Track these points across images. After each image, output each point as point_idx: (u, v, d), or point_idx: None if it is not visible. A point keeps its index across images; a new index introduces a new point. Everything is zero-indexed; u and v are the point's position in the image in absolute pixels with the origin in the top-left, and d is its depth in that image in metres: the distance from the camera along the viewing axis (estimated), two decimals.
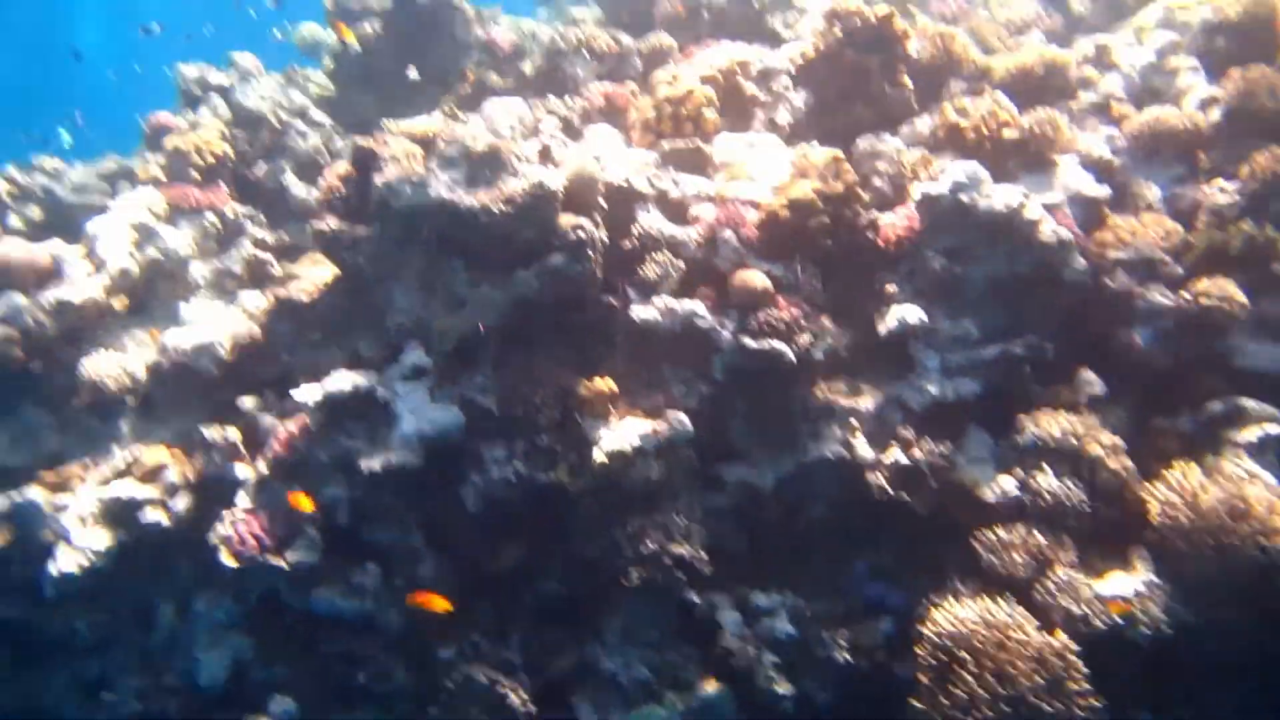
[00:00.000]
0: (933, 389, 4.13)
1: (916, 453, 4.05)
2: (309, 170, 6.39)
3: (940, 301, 4.27)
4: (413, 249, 4.43)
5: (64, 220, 5.83)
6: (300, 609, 4.14)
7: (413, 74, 6.86)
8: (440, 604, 3.81)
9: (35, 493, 4.39)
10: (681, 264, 4.37)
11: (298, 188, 6.23)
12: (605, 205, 4.42)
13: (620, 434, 4.07)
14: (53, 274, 5.09)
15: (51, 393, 4.82)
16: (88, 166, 6.39)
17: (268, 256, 5.78)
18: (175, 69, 6.62)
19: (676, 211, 4.56)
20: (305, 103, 6.88)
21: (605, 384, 4.19)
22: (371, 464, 4.11)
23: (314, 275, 5.03)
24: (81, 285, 4.96)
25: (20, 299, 4.73)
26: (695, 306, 4.19)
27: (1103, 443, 3.89)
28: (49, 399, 4.83)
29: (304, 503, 4.04)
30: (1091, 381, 4.13)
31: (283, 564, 4.02)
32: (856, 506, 4.16)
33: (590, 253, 4.19)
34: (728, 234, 4.29)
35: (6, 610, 4.38)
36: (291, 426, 4.36)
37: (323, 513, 4.15)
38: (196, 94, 6.62)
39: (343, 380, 4.29)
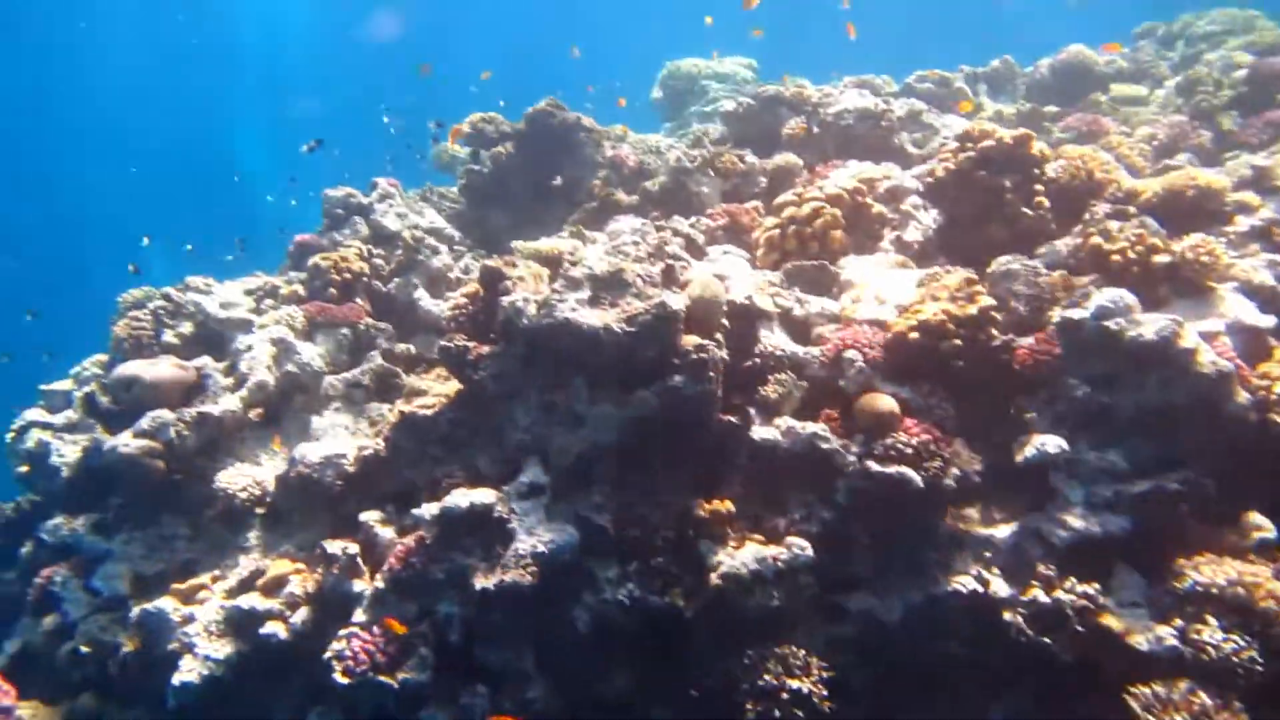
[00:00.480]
0: (1077, 523, 4.04)
1: (1059, 592, 3.93)
2: (439, 285, 6.94)
3: (1084, 431, 4.21)
4: (535, 367, 4.73)
5: (212, 335, 6.49)
6: None
7: (556, 181, 7.40)
8: None
9: (165, 603, 4.77)
10: (804, 384, 4.51)
11: (427, 302, 6.75)
12: (727, 324, 4.63)
13: (738, 558, 4.14)
14: (198, 389, 5.68)
15: (188, 503, 5.29)
16: (236, 283, 7.13)
17: (395, 369, 6.27)
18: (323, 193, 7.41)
19: (800, 331, 4.72)
20: (438, 220, 7.52)
21: (723, 505, 4.29)
22: (485, 582, 4.29)
23: (439, 390, 5.41)
24: (222, 399, 5.51)
25: (167, 414, 5.27)
26: (818, 428, 4.29)
27: (1275, 594, 3.70)
28: (185, 509, 5.29)
29: (397, 627, 4.28)
30: (1261, 525, 3.95)
31: (393, 683, 4.20)
32: (992, 646, 4.04)
33: (711, 373, 4.37)
34: (853, 355, 4.41)
35: (130, 719, 4.72)
36: (409, 542, 4.61)
37: (435, 630, 4.34)
38: (339, 214, 7.36)
39: (460, 497, 4.53)
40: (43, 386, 6.53)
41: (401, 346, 6.60)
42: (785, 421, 4.37)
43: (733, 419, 4.53)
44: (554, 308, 4.52)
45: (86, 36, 32.36)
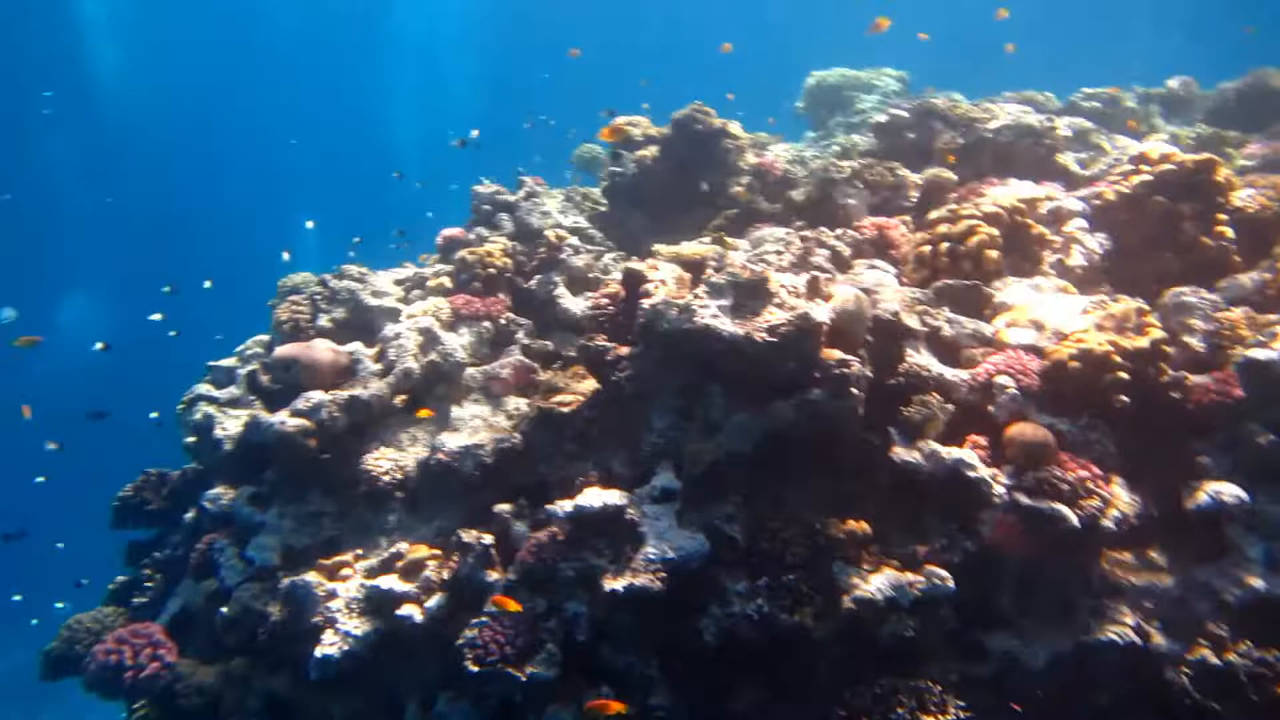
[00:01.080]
0: (1256, 582, 3.73)
1: (1233, 656, 3.64)
2: (578, 284, 7.03)
3: (1266, 482, 3.89)
4: (673, 372, 4.72)
5: (364, 321, 6.76)
6: None
7: (704, 187, 7.38)
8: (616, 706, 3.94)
9: (311, 577, 4.99)
10: (950, 407, 4.34)
11: (566, 300, 6.84)
12: (871, 339, 4.51)
13: (873, 583, 4.02)
14: (349, 372, 5.93)
15: (335, 481, 5.53)
16: (388, 273, 7.41)
17: (533, 364, 6.38)
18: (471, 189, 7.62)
19: (948, 352, 4.55)
20: (581, 220, 7.62)
21: (859, 526, 4.18)
22: (614, 584, 4.30)
23: (576, 388, 5.47)
24: (371, 384, 5.72)
25: (321, 395, 5.52)
26: (964, 455, 4.12)
27: None
28: (332, 487, 5.52)
29: (511, 605, 4.33)
30: None
31: (521, 676, 4.27)
32: (1148, 705, 3.79)
33: (852, 389, 4.26)
34: (1006, 380, 4.22)
35: (276, 684, 4.95)
36: (541, 537, 4.68)
37: (563, 627, 4.39)
38: (487, 210, 7.56)
39: (593, 497, 4.56)
40: (210, 363, 6.95)
41: (539, 342, 6.70)
42: (928, 445, 4.22)
43: (872, 438, 4.40)
44: (695, 313, 4.50)
45: (258, 30, 34.60)
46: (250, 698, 4.95)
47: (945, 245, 4.83)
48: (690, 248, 5.40)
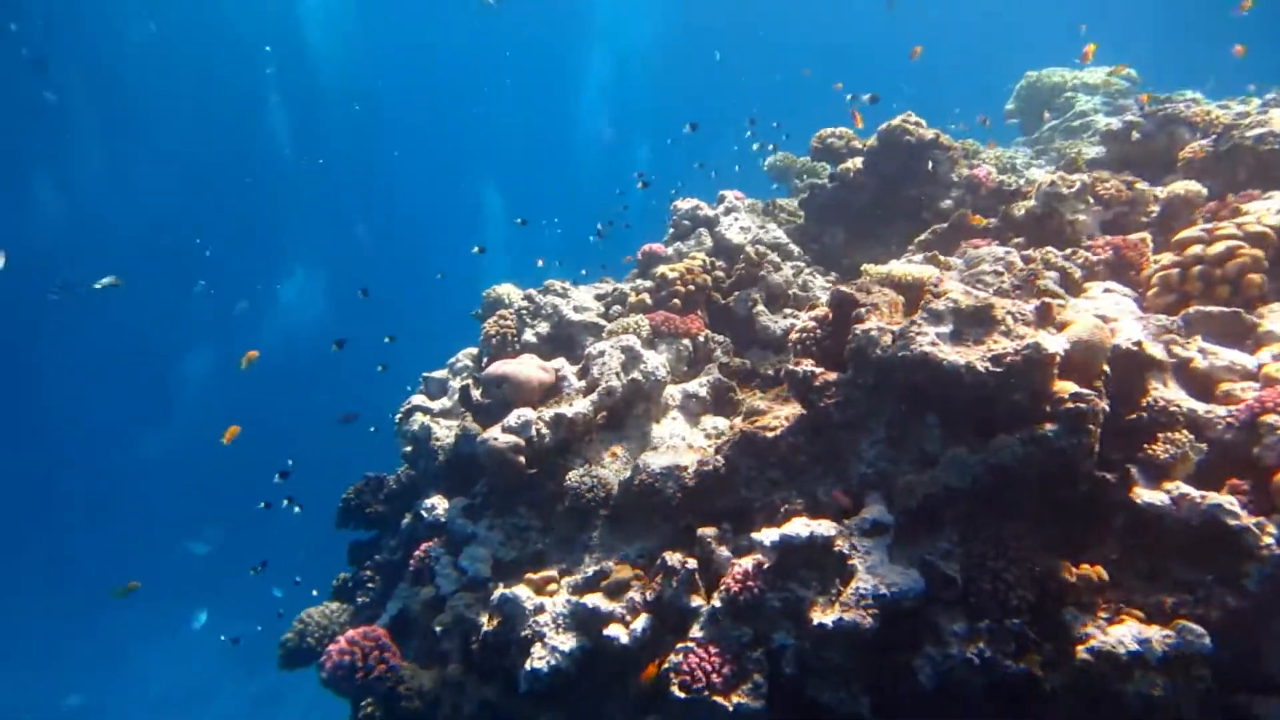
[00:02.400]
0: None
1: None
2: (777, 300, 6.95)
3: None
4: (884, 400, 4.56)
5: (566, 335, 6.97)
6: None
7: (915, 194, 7.17)
8: None
9: (520, 590, 5.16)
10: (1203, 447, 3.96)
11: (766, 318, 6.78)
12: (1108, 371, 4.19)
13: (1113, 634, 3.72)
14: (554, 389, 6.11)
15: (541, 497, 5.70)
16: (588, 288, 7.60)
17: (731, 384, 6.36)
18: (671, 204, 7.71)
19: (1201, 386, 4.16)
20: (780, 236, 7.54)
21: (1094, 572, 3.88)
22: (823, 618, 4.20)
23: (779, 411, 5.40)
24: (576, 402, 5.87)
25: (530, 413, 5.71)
26: (1223, 500, 3.74)
27: None
28: (538, 503, 5.70)
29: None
30: None
31: (727, 705, 4.23)
32: None
33: (1090, 425, 3.97)
34: (1276, 420, 3.80)
35: (488, 693, 5.15)
36: (747, 565, 4.64)
37: (770, 659, 4.33)
38: (686, 225, 7.61)
39: (801, 527, 4.47)
40: (425, 374, 7.36)
41: (737, 360, 6.68)
42: (1178, 487, 3.86)
43: (1108, 476, 4.08)
44: (912, 340, 4.33)
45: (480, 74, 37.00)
46: (465, 704, 5.17)
47: (1199, 268, 4.40)
48: (902, 268, 5.19)
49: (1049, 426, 4.00)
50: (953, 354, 4.22)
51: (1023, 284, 4.87)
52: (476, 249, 9.01)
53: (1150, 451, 4.01)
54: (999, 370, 4.09)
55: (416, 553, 5.90)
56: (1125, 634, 3.70)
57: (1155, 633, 3.66)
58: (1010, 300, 4.42)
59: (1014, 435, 4.08)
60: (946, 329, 4.36)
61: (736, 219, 7.59)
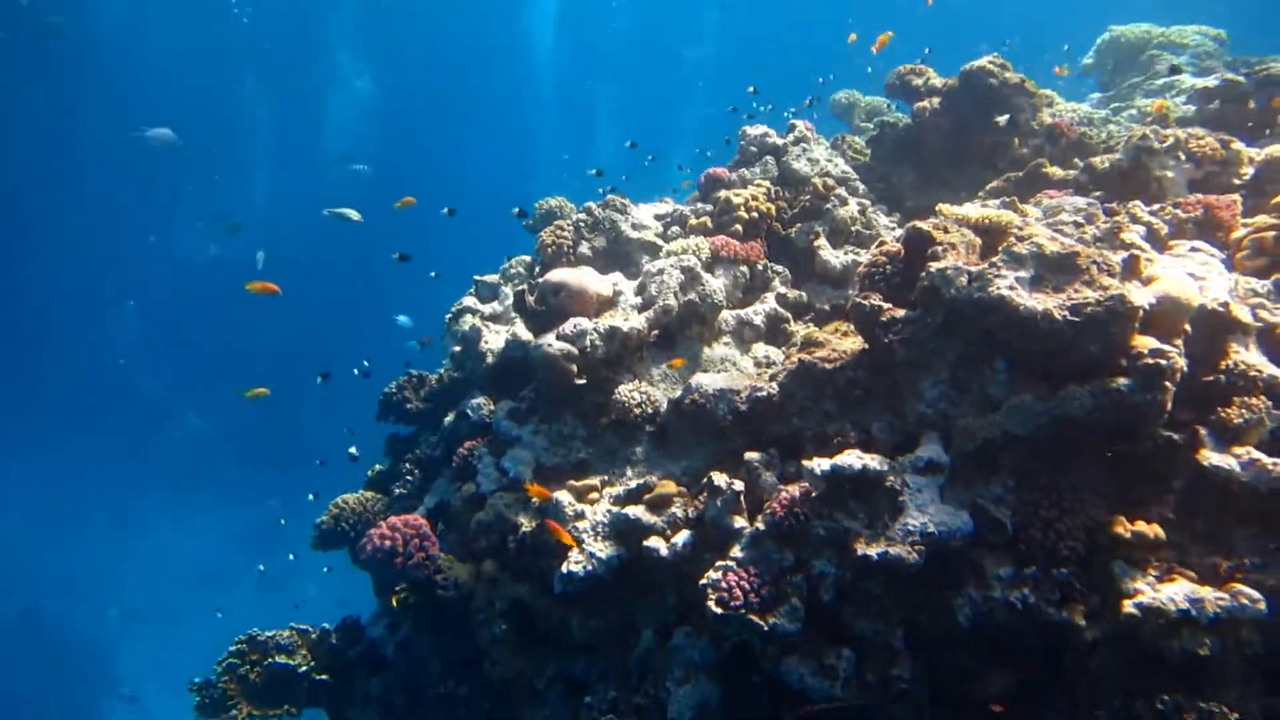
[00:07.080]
0: None
1: None
2: (839, 235, 6.86)
3: None
4: (951, 341, 4.52)
5: (622, 252, 6.94)
6: (769, 671, 4.40)
7: (1000, 122, 7.02)
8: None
9: (562, 495, 5.24)
10: None
11: (826, 252, 6.71)
12: (1189, 329, 4.12)
13: (1164, 592, 3.72)
14: (609, 303, 6.10)
15: (587, 408, 5.74)
16: (648, 206, 7.54)
17: (786, 314, 6.33)
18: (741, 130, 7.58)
19: None
20: (848, 170, 7.41)
21: (1150, 529, 3.87)
22: (867, 550, 4.23)
23: (838, 345, 5.37)
24: (631, 317, 5.86)
25: (585, 323, 5.72)
26: None
27: None
28: (584, 413, 5.74)
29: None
30: None
31: (763, 624, 4.31)
32: None
33: (1166, 382, 3.92)
34: None
35: (522, 592, 5.27)
36: (793, 491, 4.66)
37: (810, 584, 4.39)
38: (753, 151, 7.50)
39: (853, 459, 4.47)
40: (476, 277, 7.39)
41: (794, 293, 6.64)
42: (1249, 452, 3.82)
43: (1175, 436, 4.05)
44: (989, 282, 4.28)
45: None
46: (498, 599, 5.30)
47: None
48: (980, 211, 5.10)
49: (1123, 381, 3.95)
50: (1030, 300, 4.17)
51: (1105, 236, 4.78)
52: (433, 274, 8.90)
53: (1223, 415, 3.96)
54: (1077, 320, 4.03)
55: (460, 450, 5.99)
56: (1177, 592, 3.70)
57: (1209, 593, 3.66)
58: (1095, 250, 4.33)
59: (1084, 386, 4.04)
60: (1027, 274, 4.30)
61: (805, 149, 7.46)
